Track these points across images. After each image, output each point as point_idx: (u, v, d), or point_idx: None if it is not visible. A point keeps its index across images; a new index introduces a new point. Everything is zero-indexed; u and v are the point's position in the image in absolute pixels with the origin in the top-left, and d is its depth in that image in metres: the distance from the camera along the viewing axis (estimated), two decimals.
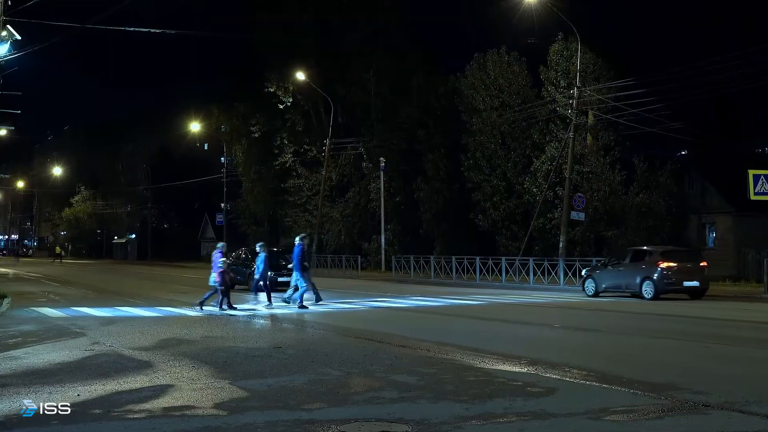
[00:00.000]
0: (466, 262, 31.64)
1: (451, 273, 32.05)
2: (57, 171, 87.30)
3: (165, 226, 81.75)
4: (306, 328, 13.49)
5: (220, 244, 17.85)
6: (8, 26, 18.22)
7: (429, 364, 8.93)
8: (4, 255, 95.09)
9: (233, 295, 17.93)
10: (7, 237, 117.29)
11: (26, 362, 9.08)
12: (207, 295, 17.05)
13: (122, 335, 11.90)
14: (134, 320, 14.48)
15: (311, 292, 18.42)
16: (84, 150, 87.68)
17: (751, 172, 23.03)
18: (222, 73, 66.37)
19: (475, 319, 15.35)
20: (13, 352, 9.90)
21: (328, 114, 45.72)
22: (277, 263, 22.63)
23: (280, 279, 21.98)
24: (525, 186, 34.25)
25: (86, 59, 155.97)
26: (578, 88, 30.01)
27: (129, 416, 6.27)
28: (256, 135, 50.61)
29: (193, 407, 6.57)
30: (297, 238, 18.26)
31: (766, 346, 11.10)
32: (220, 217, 59.74)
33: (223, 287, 16.61)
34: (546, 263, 28.24)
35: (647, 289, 20.66)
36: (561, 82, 32.80)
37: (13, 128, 32.64)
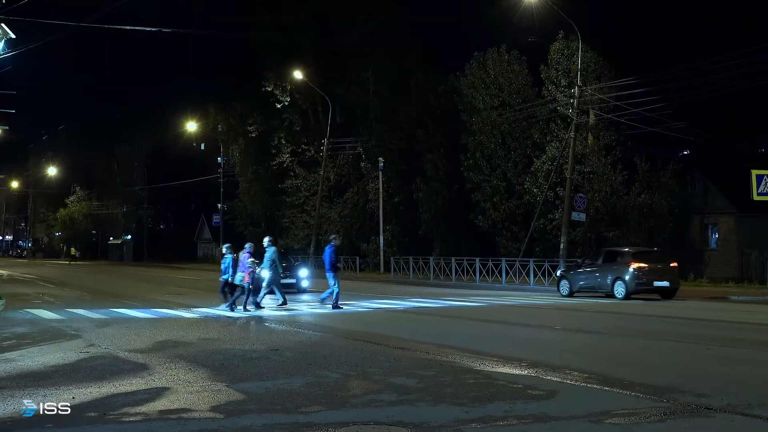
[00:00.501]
0: (465, 263, 31.58)
1: (451, 274, 32.00)
2: (52, 171, 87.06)
3: (161, 226, 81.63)
4: (303, 330, 13.41)
5: (248, 245, 18.26)
6: (2, 24, 18.09)
7: (428, 366, 8.86)
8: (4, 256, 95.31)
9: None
10: (1, 238, 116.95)
11: (20, 365, 9.00)
12: (237, 294, 17.39)
13: (118, 337, 11.81)
14: (130, 322, 14.38)
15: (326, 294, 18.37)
16: (79, 150, 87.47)
17: (754, 172, 23.00)
18: (219, 72, 66.54)
19: (475, 320, 15.29)
20: (7, 355, 9.82)
21: (326, 113, 45.58)
22: (279, 265, 22.43)
23: (282, 281, 21.75)
24: (525, 186, 34.18)
25: (81, 58, 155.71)
26: (579, 87, 29.89)
27: (124, 419, 6.21)
28: (254, 135, 50.55)
29: (190, 410, 6.52)
30: (330, 239, 18.69)
31: None
32: (216, 218, 59.62)
33: (251, 287, 17.01)
34: (547, 264, 28.20)
35: (619, 289, 21.21)
36: (562, 81, 32.76)
37: (7, 128, 32.60)
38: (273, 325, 14.16)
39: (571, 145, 29.99)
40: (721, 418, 6.27)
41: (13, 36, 18.63)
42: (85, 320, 14.65)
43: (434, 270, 33.57)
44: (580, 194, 30.66)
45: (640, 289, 21.07)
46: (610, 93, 30.53)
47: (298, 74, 43.57)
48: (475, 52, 37.22)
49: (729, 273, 29.89)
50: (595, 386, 7.60)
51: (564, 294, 23.24)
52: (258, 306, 17.36)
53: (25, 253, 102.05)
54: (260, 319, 15.39)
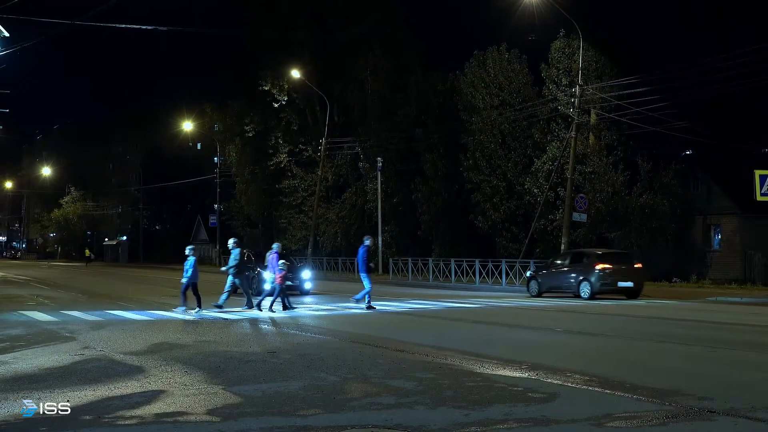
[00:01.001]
0: (465, 264, 31.42)
1: (450, 276, 31.86)
2: (46, 171, 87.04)
3: (157, 227, 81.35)
4: (301, 332, 13.34)
5: (275, 245, 18.47)
6: None
7: (427, 369, 8.81)
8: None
9: (237, 299, 18.25)
10: None
11: (14, 367, 8.94)
12: (264, 295, 17.72)
13: (113, 339, 11.75)
14: (125, 324, 14.29)
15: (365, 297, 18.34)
16: (74, 150, 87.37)
17: (758, 173, 22.94)
18: (215, 71, 66.25)
19: (475, 322, 15.21)
20: (0, 357, 9.75)
21: (323, 112, 45.47)
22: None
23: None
24: (526, 186, 34.06)
25: (76, 57, 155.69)
26: (580, 86, 29.75)
27: (120, 422, 6.19)
28: (250, 134, 50.37)
29: (186, 413, 6.48)
30: (364, 240, 18.83)
31: None
32: (213, 219, 59.31)
33: (280, 288, 17.30)
34: None
35: (584, 290, 21.91)
36: (563, 80, 32.67)
37: (1, 127, 32.50)
38: (270, 327, 14.09)
39: (572, 144, 29.87)
40: (724, 422, 6.22)
41: (6, 34, 18.58)
42: (79, 322, 14.56)
43: (433, 271, 33.43)
44: (581, 195, 30.54)
45: (604, 290, 21.77)
46: (611, 92, 30.44)
47: (295, 73, 43.44)
48: (475, 51, 37.19)
49: (732, 274, 29.75)
50: (596, 389, 7.55)
51: (533, 294, 23.83)
52: (369, 306, 17.63)
53: (19, 254, 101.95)
54: (258, 321, 15.30)
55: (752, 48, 26.85)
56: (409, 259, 35.67)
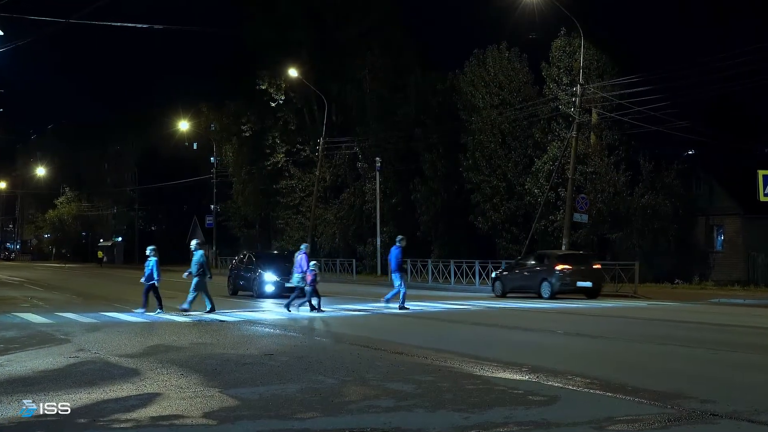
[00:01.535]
0: (465, 266, 31.24)
1: (450, 277, 31.70)
2: (40, 171, 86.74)
3: (152, 228, 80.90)
4: (299, 334, 13.30)
5: (303, 246, 18.53)
6: None
7: (426, 371, 8.75)
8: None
9: (237, 301, 18.33)
10: None
11: (8, 370, 8.87)
12: (293, 296, 17.82)
13: (108, 342, 11.69)
14: (121, 326, 14.23)
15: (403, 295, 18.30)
16: (68, 150, 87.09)
17: (761, 173, 22.96)
18: (212, 70, 66.24)
19: (474, 324, 15.15)
20: None
21: (321, 112, 45.31)
22: (283, 267, 22.22)
23: (286, 285, 21.31)
24: (526, 187, 33.95)
25: (71, 56, 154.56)
26: (581, 85, 29.46)
27: (115, 426, 6.15)
28: (247, 134, 50.21)
29: (182, 417, 6.44)
30: (397, 240, 19.08)
31: None
32: (209, 219, 58.97)
33: (311, 288, 17.39)
34: None
35: (545, 289, 22.56)
36: (563, 79, 32.58)
37: None
38: (268, 330, 14.02)
39: (573, 144, 29.69)
40: (726, 425, 6.17)
41: (1, 33, 18.48)
42: (74, 324, 14.49)
43: (433, 272, 33.26)
44: (582, 195, 30.41)
45: (564, 289, 22.42)
46: (612, 91, 30.34)
47: (293, 72, 43.30)
48: (475, 50, 37.05)
49: (735, 276, 29.61)
50: (597, 392, 7.50)
51: (497, 294, 24.40)
52: (402, 306, 17.75)
53: (13, 255, 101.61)
54: (255, 324, 15.24)
55: (753, 47, 26.80)
56: (408, 260, 35.48)
